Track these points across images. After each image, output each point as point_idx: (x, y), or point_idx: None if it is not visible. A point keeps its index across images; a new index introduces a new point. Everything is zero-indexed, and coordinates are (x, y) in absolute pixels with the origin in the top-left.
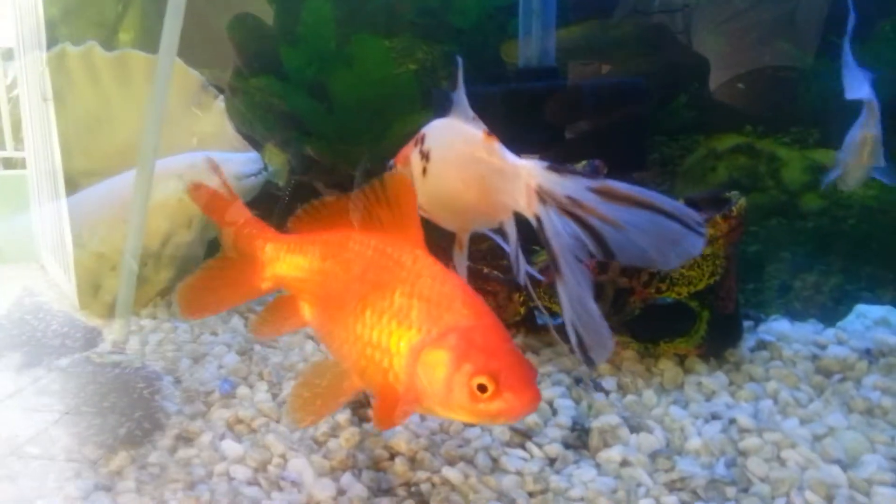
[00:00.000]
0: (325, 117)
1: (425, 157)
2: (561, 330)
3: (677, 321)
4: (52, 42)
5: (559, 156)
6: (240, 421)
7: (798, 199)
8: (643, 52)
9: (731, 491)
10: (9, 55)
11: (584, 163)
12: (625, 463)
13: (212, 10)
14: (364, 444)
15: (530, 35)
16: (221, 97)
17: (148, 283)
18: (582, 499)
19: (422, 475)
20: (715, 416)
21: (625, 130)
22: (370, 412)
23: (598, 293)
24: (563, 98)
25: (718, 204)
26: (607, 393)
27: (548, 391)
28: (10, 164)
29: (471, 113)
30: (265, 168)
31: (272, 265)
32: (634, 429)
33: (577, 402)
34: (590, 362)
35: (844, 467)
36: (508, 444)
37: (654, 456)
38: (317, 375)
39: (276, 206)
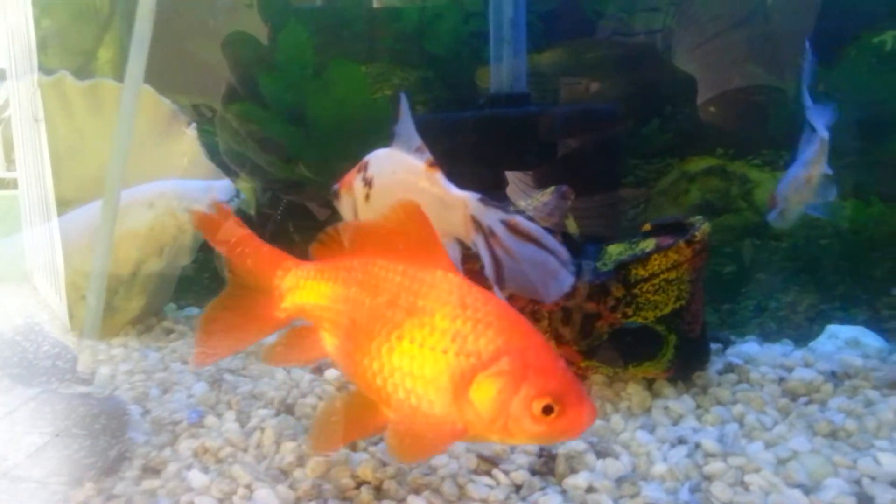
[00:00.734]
0: (303, 142)
1: (368, 183)
2: None
3: (645, 345)
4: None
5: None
6: (207, 451)
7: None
8: (614, 75)
9: None
10: (1, 76)
11: (551, 189)
12: (590, 489)
13: (191, 37)
14: (330, 473)
15: (501, 61)
16: (193, 125)
17: (119, 311)
18: None
19: None
20: (681, 441)
21: (597, 154)
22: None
23: (566, 318)
24: (534, 123)
25: (684, 229)
26: None
27: None
28: (2, 184)
29: (415, 143)
30: (237, 195)
31: (292, 294)
32: (601, 454)
33: None
34: None
35: (807, 491)
36: (475, 472)
37: (619, 481)
38: (345, 406)
39: (267, 226)
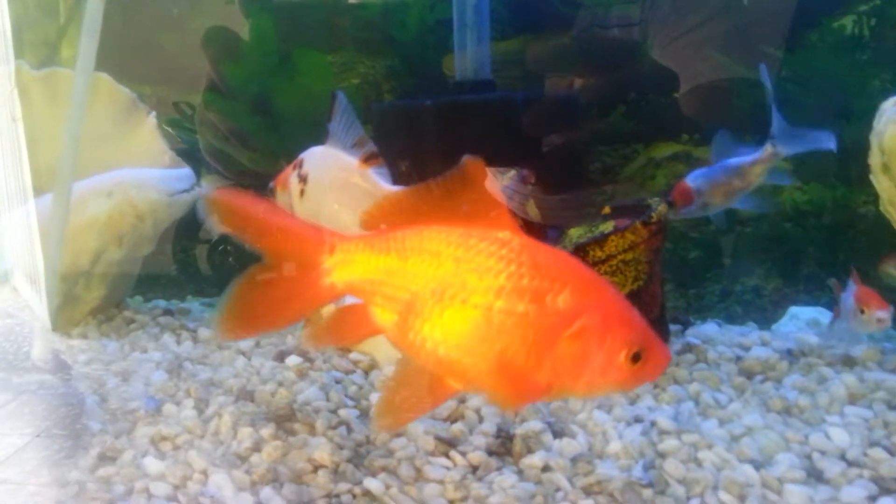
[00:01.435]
0: (268, 132)
1: (303, 180)
2: None
3: None
4: None
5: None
6: (164, 438)
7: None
8: (581, 65)
9: (647, 493)
10: None
11: (512, 172)
12: (546, 468)
13: (154, 26)
14: (287, 457)
15: (465, 48)
16: (154, 113)
17: (79, 302)
18: None
19: (343, 487)
20: (637, 420)
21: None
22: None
23: None
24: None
25: (642, 211)
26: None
27: (476, 399)
28: None
29: (351, 140)
30: (198, 184)
31: (341, 271)
32: (558, 434)
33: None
34: None
35: (758, 466)
36: (432, 454)
37: (575, 460)
38: (407, 382)
39: None
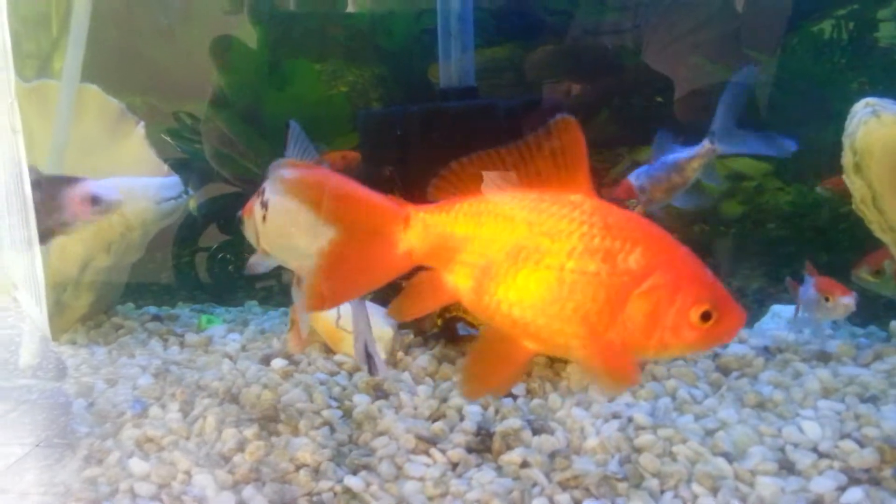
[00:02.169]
0: (259, 140)
1: (265, 206)
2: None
3: None
4: None
5: None
6: (149, 440)
7: (719, 205)
8: (566, 71)
9: (622, 487)
10: None
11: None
12: (524, 464)
13: (144, 37)
14: (269, 457)
15: (450, 57)
16: (142, 123)
17: (67, 308)
18: (478, 501)
19: (325, 485)
20: (615, 416)
21: None
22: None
23: None
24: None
25: None
26: (515, 398)
27: (457, 398)
28: None
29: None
30: (186, 191)
31: (416, 239)
32: (537, 431)
33: (485, 408)
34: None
35: (731, 459)
36: (413, 452)
37: (553, 456)
38: (486, 350)
39: None
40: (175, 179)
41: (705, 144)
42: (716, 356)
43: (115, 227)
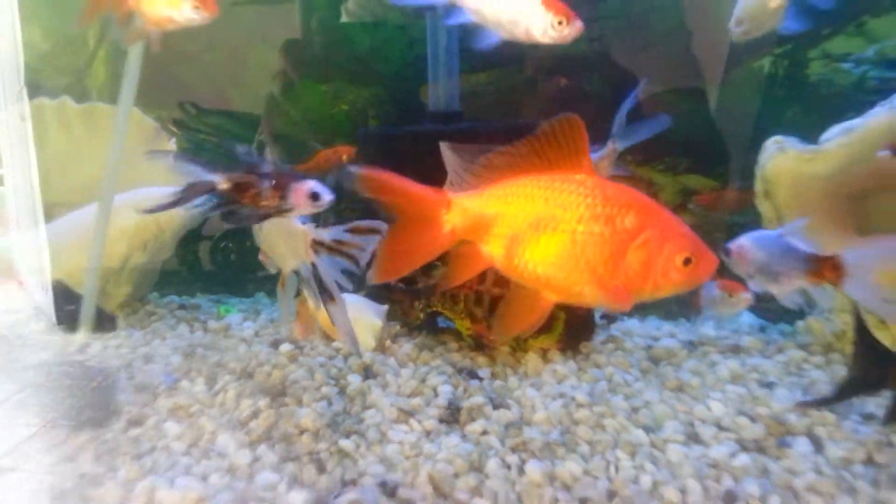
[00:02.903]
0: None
1: None
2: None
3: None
4: (31, 92)
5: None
6: (180, 407)
7: None
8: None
9: (561, 451)
10: None
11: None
12: (484, 432)
13: (171, 60)
14: (278, 423)
15: (438, 81)
16: (173, 140)
17: (109, 297)
18: (446, 460)
19: (322, 446)
20: (561, 395)
21: None
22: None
23: (478, 300)
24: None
25: None
26: (481, 380)
27: (434, 379)
28: None
29: None
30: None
31: (457, 220)
32: (497, 406)
33: (456, 387)
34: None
35: (649, 431)
36: (395, 421)
37: (508, 426)
38: (515, 301)
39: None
40: None
41: (609, 146)
42: (649, 348)
43: (150, 229)
